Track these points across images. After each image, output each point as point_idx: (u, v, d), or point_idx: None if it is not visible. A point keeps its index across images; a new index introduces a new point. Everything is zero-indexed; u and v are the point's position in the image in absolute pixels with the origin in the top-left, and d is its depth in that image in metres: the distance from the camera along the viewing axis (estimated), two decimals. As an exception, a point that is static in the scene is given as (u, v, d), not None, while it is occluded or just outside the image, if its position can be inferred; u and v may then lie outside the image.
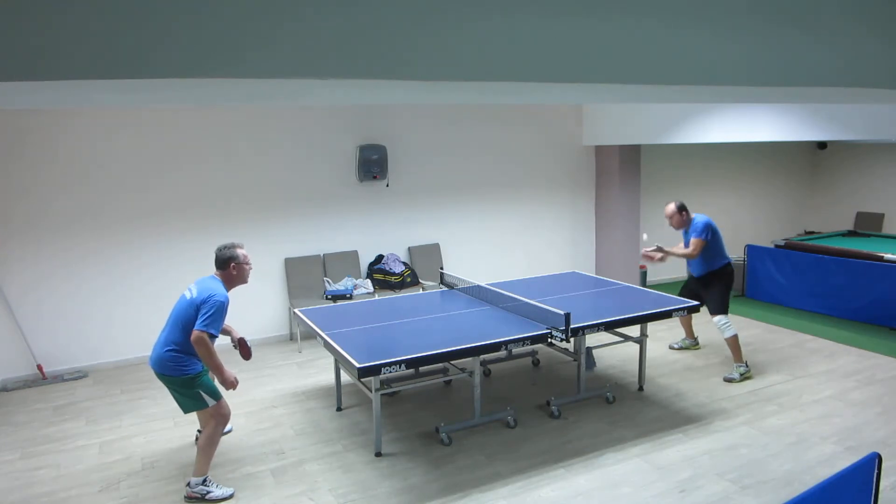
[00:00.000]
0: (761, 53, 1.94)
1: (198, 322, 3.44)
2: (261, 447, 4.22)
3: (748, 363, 5.29)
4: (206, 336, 3.42)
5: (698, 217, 5.28)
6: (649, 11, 1.73)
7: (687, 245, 5.33)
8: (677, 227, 5.34)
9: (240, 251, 3.68)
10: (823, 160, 9.80)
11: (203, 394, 3.58)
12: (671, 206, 5.27)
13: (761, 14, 1.88)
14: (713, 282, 5.26)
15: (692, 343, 5.93)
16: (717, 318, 5.18)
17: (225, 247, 3.69)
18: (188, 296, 3.57)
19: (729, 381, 5.13)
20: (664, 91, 2.03)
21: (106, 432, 4.52)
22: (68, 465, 4.05)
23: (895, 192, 8.85)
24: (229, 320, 4.08)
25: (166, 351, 3.54)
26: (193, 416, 3.82)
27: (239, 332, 4.01)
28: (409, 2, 1.44)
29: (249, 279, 3.78)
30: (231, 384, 3.57)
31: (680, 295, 5.33)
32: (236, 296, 6.17)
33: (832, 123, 5.29)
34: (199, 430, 4.09)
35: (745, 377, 5.16)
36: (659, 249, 5.30)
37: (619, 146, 7.66)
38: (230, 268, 3.65)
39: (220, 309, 3.48)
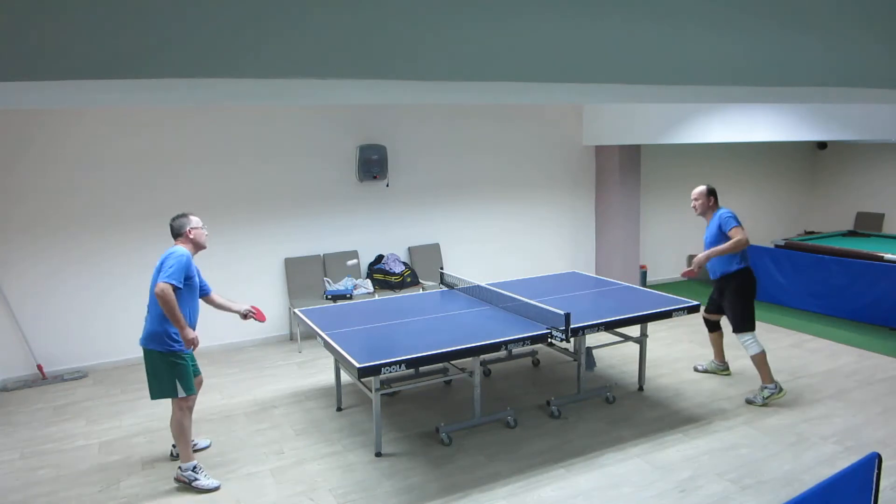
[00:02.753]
0: (761, 53, 1.94)
1: (161, 276, 3.53)
2: (261, 447, 4.22)
3: (779, 385, 4.72)
4: (167, 287, 3.49)
5: (722, 210, 4.76)
6: (650, 11, 1.73)
7: (709, 239, 4.80)
8: (700, 212, 4.85)
9: (192, 217, 3.79)
10: (823, 160, 9.80)
11: (178, 383, 3.66)
12: (701, 188, 4.83)
13: (761, 14, 1.88)
14: (728, 288, 4.77)
15: (720, 367, 5.27)
16: (739, 336, 4.72)
17: (176, 217, 3.79)
18: (155, 269, 3.67)
19: (750, 402, 4.67)
20: (664, 91, 2.03)
21: (106, 432, 4.52)
22: (68, 465, 4.05)
23: (895, 192, 8.86)
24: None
25: (152, 326, 3.64)
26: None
27: (241, 307, 4.10)
28: (409, 2, 1.44)
29: (208, 244, 3.90)
30: (191, 342, 3.62)
31: (706, 311, 5.10)
32: (237, 295, 6.21)
33: (832, 123, 5.28)
34: (173, 446, 4.14)
35: (770, 399, 4.64)
36: (696, 265, 4.71)
37: (619, 146, 7.66)
38: (187, 233, 3.74)
39: (182, 262, 3.58)
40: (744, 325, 4.71)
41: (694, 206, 4.90)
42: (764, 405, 4.64)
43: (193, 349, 3.70)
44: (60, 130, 5.53)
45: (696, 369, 5.41)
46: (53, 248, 5.62)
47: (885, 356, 5.66)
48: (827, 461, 3.85)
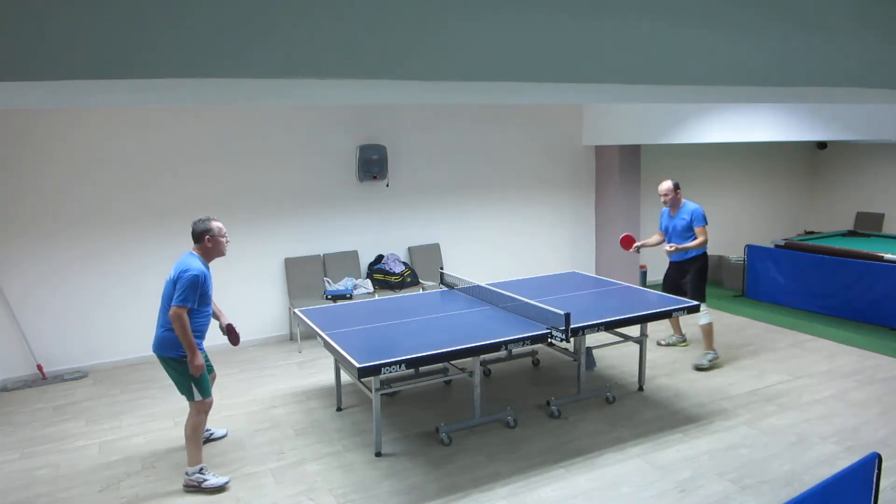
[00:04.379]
0: (761, 53, 1.94)
1: (173, 299, 3.52)
2: (261, 447, 4.22)
3: (716, 350, 5.50)
4: (180, 311, 3.48)
5: (690, 203, 5.42)
6: (649, 11, 1.73)
7: (674, 230, 5.47)
8: (670, 206, 5.50)
9: (214, 224, 3.71)
10: (823, 160, 9.80)
11: (193, 385, 3.65)
12: (668, 183, 5.42)
13: (762, 14, 1.88)
14: (690, 269, 5.43)
15: (679, 339, 6.03)
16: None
17: (200, 220, 3.72)
18: (169, 276, 3.66)
19: (698, 367, 5.33)
20: (664, 91, 2.03)
21: (106, 432, 4.52)
22: (68, 465, 4.05)
23: (895, 192, 8.85)
24: (228, 318, 4.08)
25: (163, 331, 3.65)
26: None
27: (228, 319, 4.03)
28: (408, 2, 1.44)
29: (227, 252, 3.82)
30: (197, 368, 3.59)
31: (663, 290, 5.50)
32: (237, 295, 6.22)
33: (832, 123, 5.28)
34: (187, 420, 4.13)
35: (713, 364, 5.36)
36: (676, 249, 5.43)
37: (619, 146, 7.66)
38: (205, 241, 3.69)
39: (193, 284, 3.53)
40: (700, 296, 5.36)
41: (665, 202, 5.52)
42: (709, 368, 5.35)
43: (197, 374, 3.63)
44: (60, 130, 5.53)
45: (658, 343, 6.04)
46: (53, 248, 5.61)
47: (885, 356, 5.65)
48: (827, 461, 3.85)
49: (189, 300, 3.52)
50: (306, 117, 6.45)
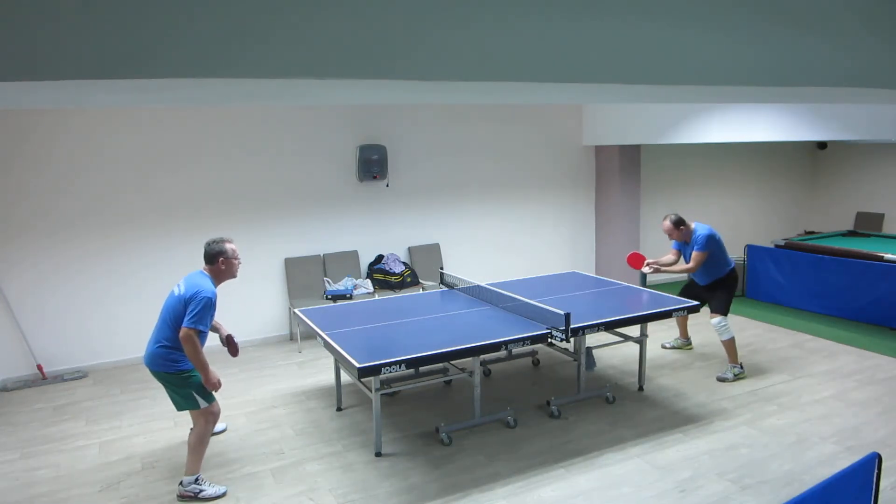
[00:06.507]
0: (761, 53, 1.94)
1: (185, 319, 3.43)
2: (261, 447, 4.22)
3: (743, 365, 5.29)
4: (193, 333, 3.41)
5: (699, 228, 5.18)
6: (649, 11, 1.73)
7: (688, 258, 5.27)
8: (680, 241, 5.32)
9: (228, 246, 3.65)
10: (823, 160, 9.80)
11: (195, 395, 3.58)
12: (667, 223, 5.21)
13: (762, 14, 1.88)
14: (719, 287, 5.27)
15: (685, 343, 5.97)
16: (717, 319, 5.16)
17: (214, 241, 3.65)
18: (176, 292, 3.58)
19: (722, 380, 5.15)
20: (664, 91, 2.03)
21: (106, 432, 4.52)
22: (68, 465, 4.05)
23: (895, 192, 8.85)
24: (227, 318, 4.08)
25: (158, 347, 3.56)
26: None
27: (227, 330, 3.98)
28: (408, 2, 1.44)
29: (238, 274, 3.75)
30: (214, 385, 3.55)
31: (680, 294, 5.34)
32: (236, 295, 6.22)
33: (832, 123, 5.29)
34: (192, 429, 4.10)
35: (738, 377, 5.18)
36: (656, 270, 5.30)
37: (619, 146, 7.66)
38: (218, 263, 3.62)
39: (207, 305, 3.46)
40: (724, 310, 5.22)
41: (671, 239, 5.34)
42: (735, 381, 5.15)
43: (216, 389, 3.58)
44: (59, 129, 5.53)
45: (663, 346, 6.00)
46: (53, 248, 5.61)
47: (885, 356, 5.65)
48: (827, 461, 3.85)
49: (202, 323, 3.44)
50: (306, 117, 6.45)
